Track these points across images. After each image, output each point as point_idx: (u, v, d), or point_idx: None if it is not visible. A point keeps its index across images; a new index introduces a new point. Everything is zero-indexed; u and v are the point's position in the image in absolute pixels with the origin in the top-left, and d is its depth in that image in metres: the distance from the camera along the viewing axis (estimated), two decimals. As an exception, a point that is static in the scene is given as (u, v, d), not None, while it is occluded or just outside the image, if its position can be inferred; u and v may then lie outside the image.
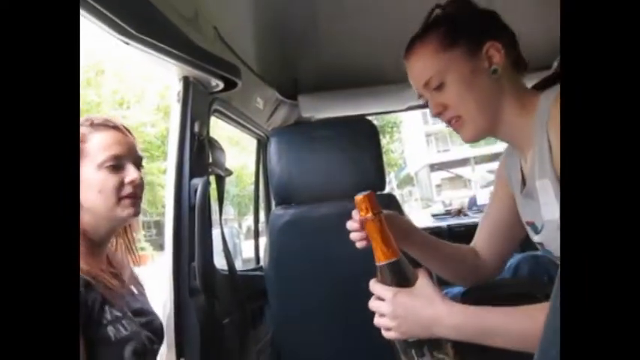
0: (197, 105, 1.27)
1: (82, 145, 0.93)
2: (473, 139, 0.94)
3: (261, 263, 1.88)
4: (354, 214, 0.91)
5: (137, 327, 0.93)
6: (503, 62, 0.91)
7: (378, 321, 0.84)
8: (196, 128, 1.26)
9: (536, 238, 0.98)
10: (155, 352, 0.97)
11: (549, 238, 0.93)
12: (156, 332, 0.99)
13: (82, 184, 0.91)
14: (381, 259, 0.82)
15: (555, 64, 1.82)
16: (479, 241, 1.14)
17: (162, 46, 1.02)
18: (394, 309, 0.81)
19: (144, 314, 0.99)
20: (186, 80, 1.25)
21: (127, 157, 0.97)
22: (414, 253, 1.06)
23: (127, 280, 1.05)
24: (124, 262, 1.06)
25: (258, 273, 1.73)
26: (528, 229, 1.01)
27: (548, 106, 0.85)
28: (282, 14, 1.43)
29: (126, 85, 11.50)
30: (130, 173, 0.96)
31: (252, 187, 2.19)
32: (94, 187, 0.93)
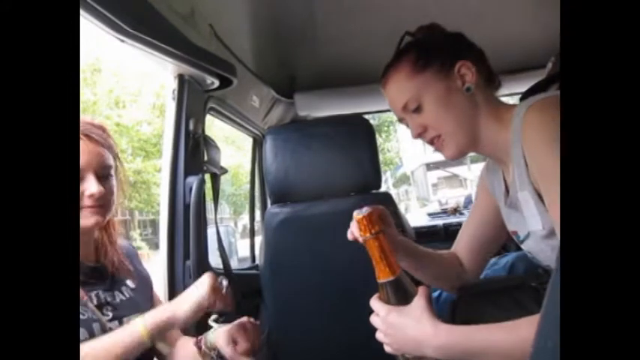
0: (192, 103, 1.27)
1: None
2: (455, 157, 0.96)
3: (257, 262, 1.88)
4: (353, 226, 0.89)
5: (94, 317, 0.91)
6: (475, 80, 0.93)
7: (377, 335, 0.86)
8: (191, 126, 1.26)
9: (522, 247, 1.00)
10: None
11: (535, 247, 0.95)
12: None
13: None
14: (380, 277, 0.83)
15: (550, 64, 1.83)
16: (459, 248, 1.15)
17: (157, 43, 1.02)
18: (385, 327, 0.83)
19: (118, 309, 0.98)
20: (181, 78, 1.24)
21: (88, 168, 0.93)
22: (403, 264, 1.07)
23: (124, 273, 1.04)
24: (119, 261, 1.05)
25: (253, 272, 1.73)
26: (514, 238, 1.02)
27: (521, 118, 0.87)
28: (279, 12, 1.43)
29: (122, 83, 11.47)
30: (90, 187, 0.92)
31: (248, 185, 2.18)
32: None
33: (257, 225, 2.15)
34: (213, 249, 1.40)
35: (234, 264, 1.82)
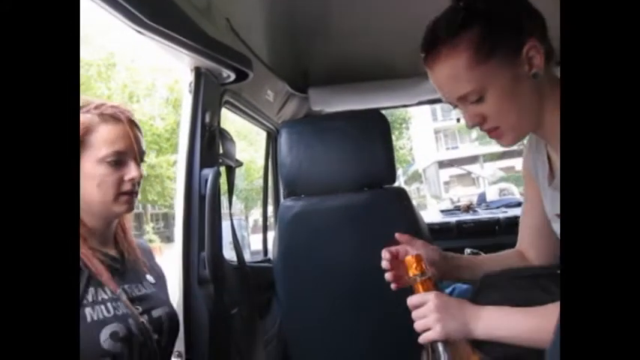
0: (208, 96, 1.28)
1: (86, 135, 0.92)
2: (513, 144, 0.89)
3: (269, 255, 1.89)
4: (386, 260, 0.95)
5: (129, 311, 0.91)
6: (543, 63, 0.83)
7: (418, 324, 0.84)
8: (207, 119, 1.27)
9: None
10: (149, 343, 0.93)
11: None
12: (154, 323, 0.97)
13: (81, 175, 0.91)
14: None
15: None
16: (523, 243, 1.12)
17: (175, 35, 1.02)
18: (437, 307, 0.81)
19: (146, 302, 0.98)
20: (198, 71, 1.25)
21: (130, 152, 0.96)
22: (463, 276, 1.07)
23: (142, 267, 1.05)
24: (135, 250, 1.06)
25: (266, 264, 1.74)
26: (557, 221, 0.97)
27: None
28: (294, 6, 1.43)
29: (135, 78, 11.55)
30: (131, 171, 0.95)
31: (259, 180, 2.19)
32: (93, 180, 0.92)
33: (269, 219, 2.16)
34: (226, 242, 1.41)
35: (246, 257, 1.83)
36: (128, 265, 1.02)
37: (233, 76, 1.32)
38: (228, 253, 1.43)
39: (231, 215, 1.40)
